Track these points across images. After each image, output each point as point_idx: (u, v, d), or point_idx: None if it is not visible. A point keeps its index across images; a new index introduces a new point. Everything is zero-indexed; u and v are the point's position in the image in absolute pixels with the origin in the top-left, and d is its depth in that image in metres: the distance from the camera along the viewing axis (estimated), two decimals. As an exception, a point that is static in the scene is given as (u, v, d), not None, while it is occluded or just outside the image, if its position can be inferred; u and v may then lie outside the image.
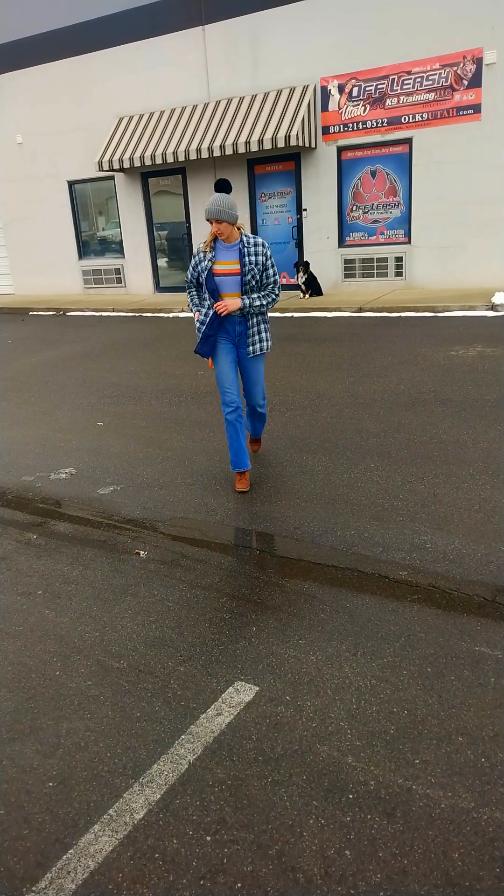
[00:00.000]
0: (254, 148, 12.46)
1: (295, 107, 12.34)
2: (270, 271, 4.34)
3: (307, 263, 12.86)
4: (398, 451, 5.05)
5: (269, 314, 12.25)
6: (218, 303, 4.29)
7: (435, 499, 4.21)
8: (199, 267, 4.35)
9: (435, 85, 11.54)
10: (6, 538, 4.14)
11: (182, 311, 13.08)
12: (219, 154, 12.85)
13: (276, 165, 13.43)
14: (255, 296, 4.33)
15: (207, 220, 4.13)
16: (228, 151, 12.70)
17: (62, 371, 8.83)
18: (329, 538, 3.82)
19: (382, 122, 12.16)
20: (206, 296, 4.43)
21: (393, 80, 11.83)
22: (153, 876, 1.93)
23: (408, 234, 12.57)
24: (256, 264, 4.26)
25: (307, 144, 12.56)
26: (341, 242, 13.25)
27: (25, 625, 3.21)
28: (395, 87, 11.87)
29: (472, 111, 11.41)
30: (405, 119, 11.94)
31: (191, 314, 12.79)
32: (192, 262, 4.40)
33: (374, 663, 2.74)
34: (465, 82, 11.32)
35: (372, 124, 12.26)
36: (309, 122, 12.49)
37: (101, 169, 14.39)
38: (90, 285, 16.59)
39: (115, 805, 2.17)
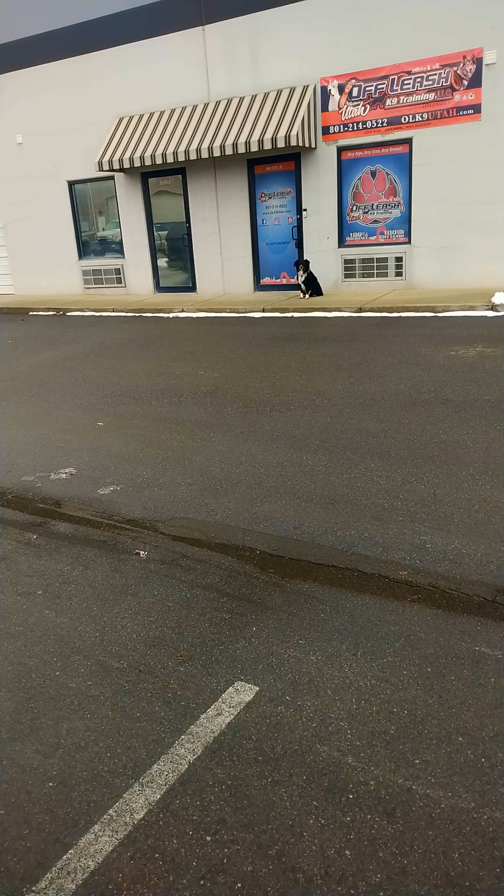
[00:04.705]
0: (254, 148, 12.46)
1: (295, 107, 12.34)
2: None
3: (307, 262, 12.86)
4: (398, 451, 5.05)
5: (269, 314, 12.17)
6: None
7: (435, 499, 4.21)
8: None
9: (435, 85, 11.53)
10: (6, 538, 4.14)
11: (182, 310, 13.06)
12: (219, 154, 12.85)
13: (276, 165, 13.42)
14: None
15: None
16: (228, 151, 12.71)
17: (62, 371, 8.83)
18: (329, 538, 3.81)
19: (382, 123, 12.16)
20: None
21: (393, 80, 11.83)
22: (153, 876, 1.93)
23: (408, 234, 12.57)
24: None
25: (307, 144, 12.56)
26: (341, 242, 13.25)
27: (25, 625, 3.20)
28: (395, 87, 11.86)
29: (471, 111, 11.41)
30: (405, 119, 11.93)
31: (192, 314, 12.76)
32: None
33: (374, 663, 2.74)
34: (465, 82, 11.32)
35: (372, 124, 12.26)
36: (309, 122, 12.49)
37: (101, 169, 14.39)
38: (90, 285, 16.58)
39: (115, 805, 2.17)
